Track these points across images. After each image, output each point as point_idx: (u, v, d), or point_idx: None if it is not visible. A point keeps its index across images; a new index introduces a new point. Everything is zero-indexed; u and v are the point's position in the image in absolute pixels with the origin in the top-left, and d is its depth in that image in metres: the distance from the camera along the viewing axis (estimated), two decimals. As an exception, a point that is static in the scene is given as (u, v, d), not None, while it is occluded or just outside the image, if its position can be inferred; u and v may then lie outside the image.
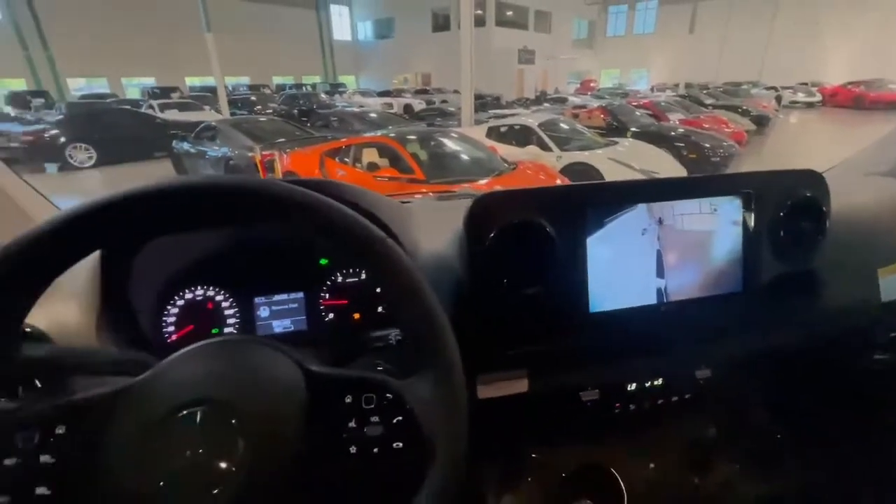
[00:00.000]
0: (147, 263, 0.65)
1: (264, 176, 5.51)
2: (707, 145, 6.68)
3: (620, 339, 0.69)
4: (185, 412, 0.34)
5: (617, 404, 0.74)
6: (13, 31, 17.34)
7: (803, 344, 0.80)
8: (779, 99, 16.95)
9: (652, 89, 22.85)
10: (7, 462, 0.32)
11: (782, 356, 0.84)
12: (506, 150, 5.67)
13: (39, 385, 0.49)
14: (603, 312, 0.67)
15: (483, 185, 4.32)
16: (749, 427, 0.93)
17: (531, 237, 0.61)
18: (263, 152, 5.66)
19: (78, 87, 19.87)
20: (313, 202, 0.38)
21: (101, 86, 20.35)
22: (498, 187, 4.30)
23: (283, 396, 0.38)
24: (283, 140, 6.52)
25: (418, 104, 15.76)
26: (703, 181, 0.72)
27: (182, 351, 0.40)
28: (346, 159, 5.00)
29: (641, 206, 0.67)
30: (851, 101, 17.64)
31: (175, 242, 0.66)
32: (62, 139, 8.59)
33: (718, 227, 0.72)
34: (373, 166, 4.87)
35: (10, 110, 13.77)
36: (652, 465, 0.86)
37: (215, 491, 0.32)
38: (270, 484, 0.34)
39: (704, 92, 14.93)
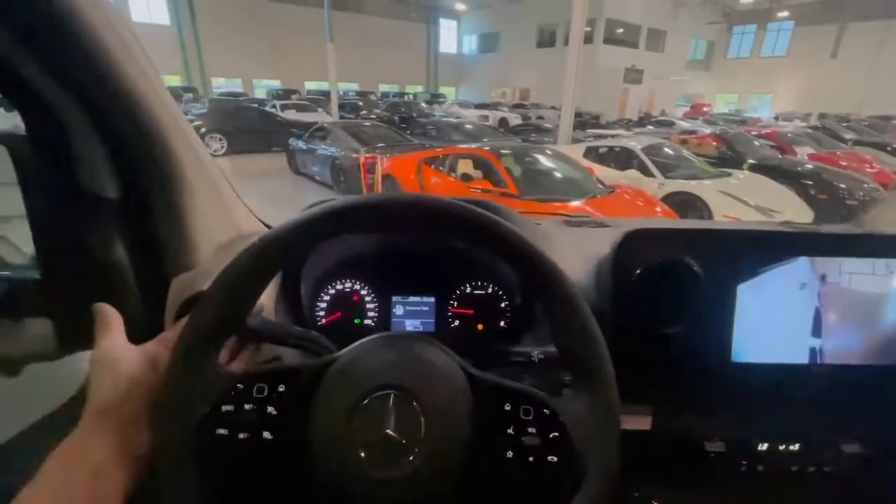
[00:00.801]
0: (314, 256, 0.75)
1: (365, 176, 5.92)
2: (842, 186, 5.83)
3: (761, 394, 0.65)
4: (379, 393, 0.39)
5: (744, 461, 0.69)
6: (177, 37, 20.59)
7: None
8: (943, 138, 14.24)
9: (776, 118, 20.52)
10: (247, 407, 0.40)
11: None
12: (603, 173, 5.48)
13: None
14: (746, 363, 0.63)
15: (576, 206, 4.21)
16: None
17: (680, 276, 0.60)
18: (366, 155, 6.08)
19: (218, 85, 22.96)
20: (495, 225, 0.42)
21: (236, 85, 23.34)
22: (590, 209, 4.17)
23: (453, 392, 0.42)
24: (383, 145, 6.96)
25: (514, 118, 15.81)
26: (877, 239, 0.65)
27: (371, 338, 0.46)
28: (442, 168, 5.18)
29: (804, 259, 0.62)
30: None
31: (335, 241, 0.75)
32: (203, 129, 9.96)
33: (894, 291, 0.64)
34: (467, 177, 4.99)
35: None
36: None
37: (403, 465, 0.37)
38: (444, 466, 0.39)
39: (844, 125, 13.01)
